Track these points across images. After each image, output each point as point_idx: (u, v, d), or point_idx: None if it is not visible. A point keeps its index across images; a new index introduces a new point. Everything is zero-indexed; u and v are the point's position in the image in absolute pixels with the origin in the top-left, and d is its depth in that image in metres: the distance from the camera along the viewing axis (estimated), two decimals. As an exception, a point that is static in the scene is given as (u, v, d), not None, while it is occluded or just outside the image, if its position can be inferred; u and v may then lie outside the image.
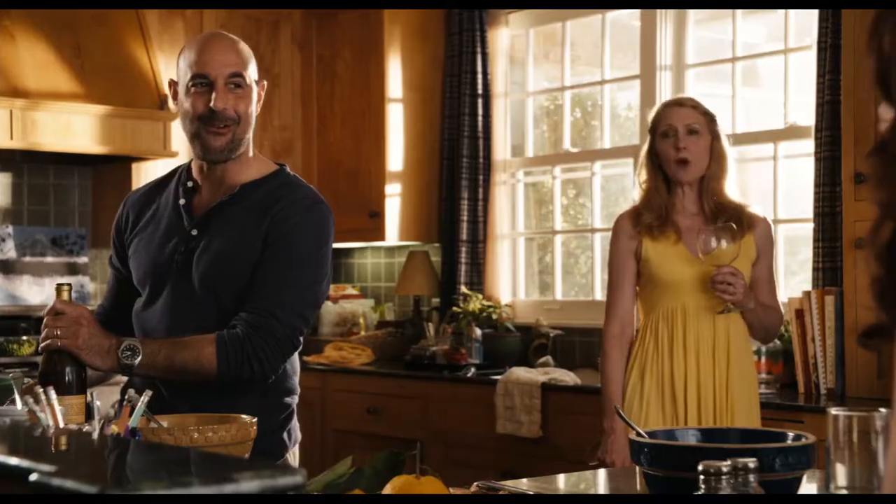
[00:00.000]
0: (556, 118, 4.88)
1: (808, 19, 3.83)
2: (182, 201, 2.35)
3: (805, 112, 3.84)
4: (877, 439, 1.61)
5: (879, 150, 0.85)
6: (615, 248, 3.02)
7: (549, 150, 4.91)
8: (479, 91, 4.75)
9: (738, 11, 4.12)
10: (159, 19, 4.71)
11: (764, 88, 4.41)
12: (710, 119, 2.99)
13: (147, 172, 4.61)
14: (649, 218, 2.97)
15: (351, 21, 4.96)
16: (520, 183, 4.90)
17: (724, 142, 3.00)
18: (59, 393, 1.90)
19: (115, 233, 2.48)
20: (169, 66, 4.64)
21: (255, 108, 2.33)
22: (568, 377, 3.94)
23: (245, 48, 2.34)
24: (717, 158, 2.97)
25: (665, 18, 4.29)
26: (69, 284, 2.16)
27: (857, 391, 3.33)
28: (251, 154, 2.37)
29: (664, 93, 4.25)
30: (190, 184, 2.37)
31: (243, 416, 1.90)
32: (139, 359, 2.13)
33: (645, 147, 3.07)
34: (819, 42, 3.61)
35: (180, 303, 2.30)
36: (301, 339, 2.26)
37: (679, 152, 2.94)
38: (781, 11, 3.99)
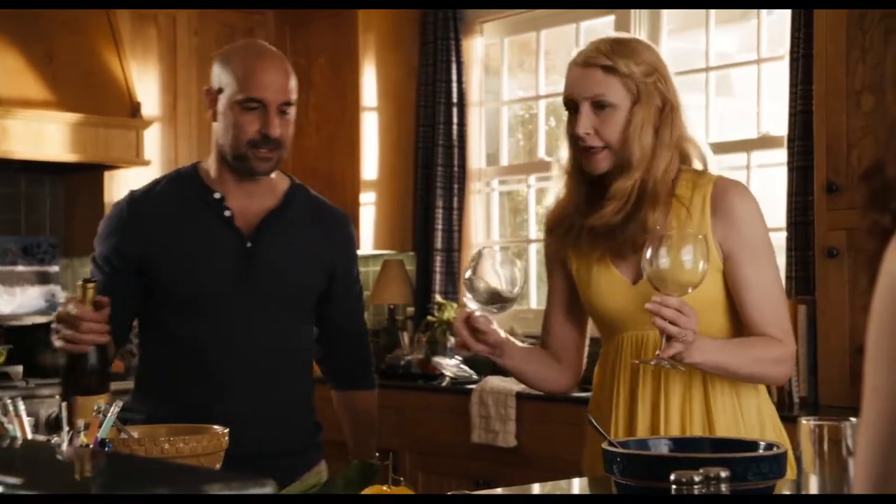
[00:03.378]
0: (531, 127, 4.89)
1: (781, 29, 3.86)
2: (227, 213, 2.31)
3: (778, 122, 3.86)
4: (847, 448, 1.61)
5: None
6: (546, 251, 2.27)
7: (523, 159, 4.91)
8: (454, 100, 4.75)
9: (712, 21, 4.14)
10: (132, 26, 4.68)
11: (737, 98, 4.43)
12: (645, 72, 2.01)
13: (119, 181, 4.58)
14: (559, 229, 2.14)
15: (325, 29, 4.95)
16: (494, 192, 4.90)
17: (670, 92, 2.05)
18: (77, 392, 1.90)
19: (117, 233, 2.34)
20: (142, 73, 4.61)
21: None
22: (542, 386, 3.94)
23: (291, 68, 2.32)
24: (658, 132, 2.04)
25: (638, 28, 4.31)
26: (95, 281, 2.05)
27: (830, 399, 3.34)
28: None
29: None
30: (217, 195, 2.32)
31: (215, 426, 1.89)
32: None
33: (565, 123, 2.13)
34: (791, 52, 3.64)
35: (250, 317, 2.29)
36: None
37: (583, 140, 2.03)
38: (754, 22, 4.01)
